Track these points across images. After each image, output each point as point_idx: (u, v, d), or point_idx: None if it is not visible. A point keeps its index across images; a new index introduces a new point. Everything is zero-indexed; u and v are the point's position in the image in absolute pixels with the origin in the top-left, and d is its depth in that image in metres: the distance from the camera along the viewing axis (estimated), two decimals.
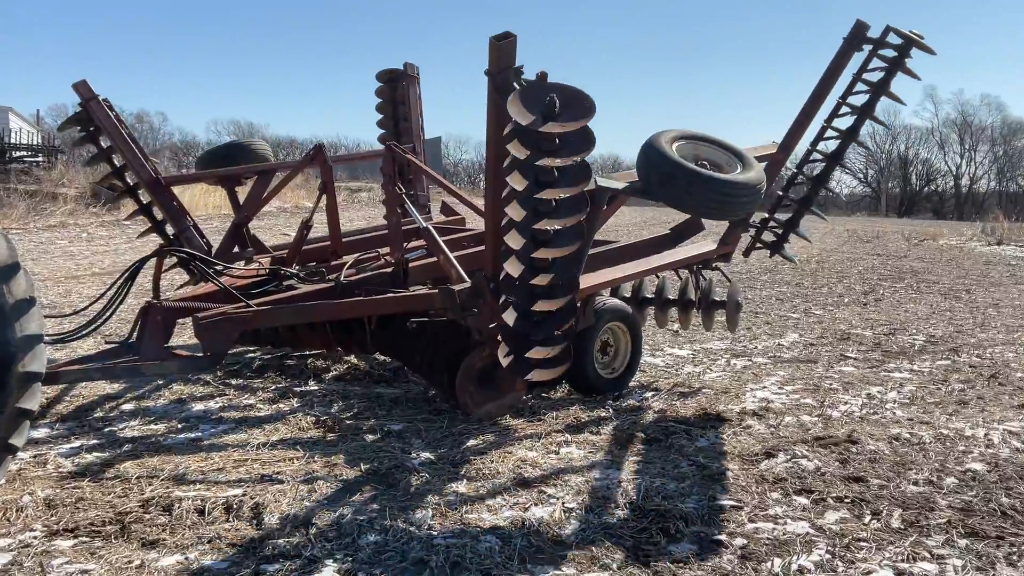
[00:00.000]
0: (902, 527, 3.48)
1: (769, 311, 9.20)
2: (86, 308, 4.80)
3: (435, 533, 3.33)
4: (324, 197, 5.96)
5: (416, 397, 5.33)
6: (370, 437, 4.55)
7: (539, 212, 3.91)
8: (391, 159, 5.90)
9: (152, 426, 4.72)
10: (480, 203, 6.49)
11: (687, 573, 3.03)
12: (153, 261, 4.93)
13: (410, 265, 5.54)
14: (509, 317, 4.05)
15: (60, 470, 3.98)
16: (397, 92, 7.42)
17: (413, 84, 7.45)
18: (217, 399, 5.25)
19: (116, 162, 6.83)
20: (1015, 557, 3.22)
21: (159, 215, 6.88)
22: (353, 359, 6.35)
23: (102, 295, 4.72)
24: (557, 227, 3.93)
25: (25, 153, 24.59)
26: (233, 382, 5.71)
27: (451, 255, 5.25)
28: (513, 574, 2.99)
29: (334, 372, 5.99)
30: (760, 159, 6.02)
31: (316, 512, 3.50)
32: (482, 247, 5.93)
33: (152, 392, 5.39)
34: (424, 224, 5.40)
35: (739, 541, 3.31)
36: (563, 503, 3.63)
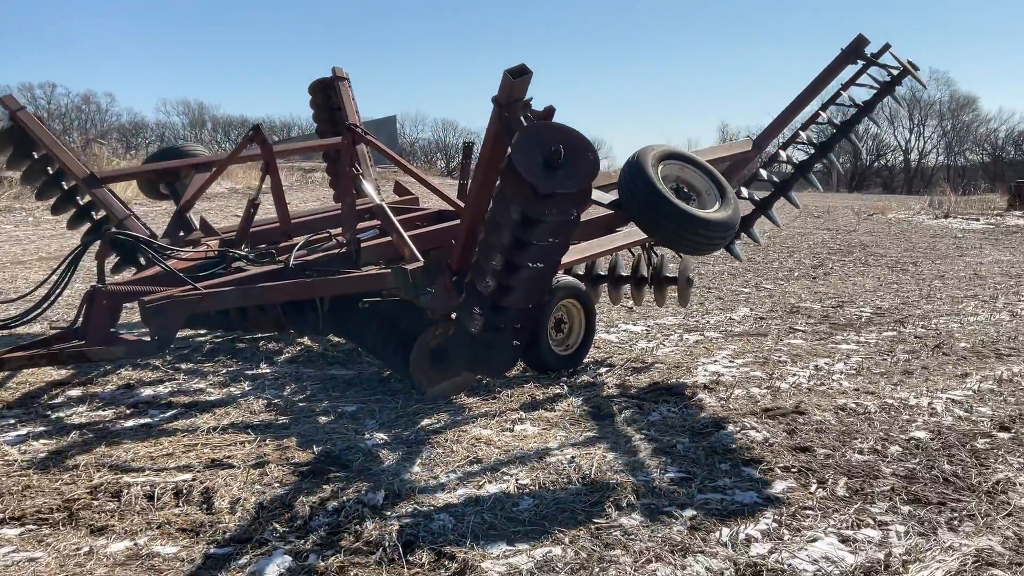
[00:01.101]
0: (847, 495, 3.55)
1: (721, 286, 9.30)
2: (30, 293, 4.70)
3: (388, 513, 3.33)
4: (268, 178, 5.88)
5: (371, 378, 5.31)
6: (323, 419, 4.53)
7: (520, 242, 3.73)
8: (351, 140, 5.82)
9: (100, 412, 4.65)
10: (435, 182, 6.47)
11: (638, 544, 3.07)
12: (94, 248, 4.84)
13: (362, 245, 5.50)
14: (470, 321, 3.99)
15: (6, 458, 3.91)
16: (331, 100, 7.50)
17: (345, 87, 7.48)
18: (167, 384, 5.19)
19: (50, 170, 6.75)
20: (956, 522, 3.31)
21: (98, 215, 6.82)
22: (307, 341, 6.30)
23: (46, 280, 4.62)
24: (534, 258, 3.79)
25: None
26: (183, 366, 5.64)
27: (405, 234, 5.22)
28: (466, 551, 3.01)
29: (287, 354, 5.95)
30: (735, 157, 6.08)
31: (267, 495, 3.48)
32: (437, 225, 5.91)
33: (100, 378, 5.30)
34: (379, 202, 5.35)
35: (689, 512, 3.36)
36: (517, 479, 3.65)
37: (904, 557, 3.00)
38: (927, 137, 65.04)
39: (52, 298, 4.52)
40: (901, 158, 66.37)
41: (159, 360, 5.68)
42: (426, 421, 4.47)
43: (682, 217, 4.48)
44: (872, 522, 3.29)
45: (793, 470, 3.82)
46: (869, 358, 5.92)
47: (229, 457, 3.94)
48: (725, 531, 3.20)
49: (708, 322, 7.19)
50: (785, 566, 2.92)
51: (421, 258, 5.07)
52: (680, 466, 3.85)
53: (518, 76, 3.58)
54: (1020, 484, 3.68)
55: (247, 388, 5.11)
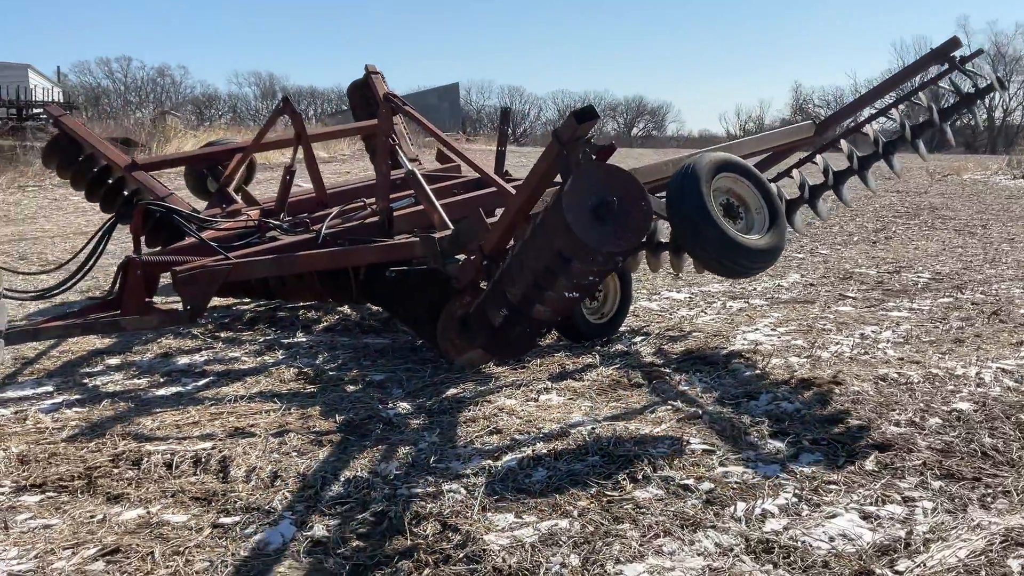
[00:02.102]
0: (876, 469, 3.41)
1: None
2: (65, 264, 4.78)
3: (399, 484, 3.31)
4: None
5: (403, 347, 5.30)
6: (351, 388, 4.54)
7: (554, 273, 3.54)
8: (389, 111, 5.77)
9: (135, 380, 4.73)
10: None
11: (648, 519, 2.99)
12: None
13: (395, 214, 5.47)
14: (492, 312, 3.89)
15: (39, 426, 4.00)
16: (368, 98, 7.50)
17: (378, 79, 7.46)
18: (203, 352, 5.26)
19: (95, 169, 6.86)
20: (989, 499, 3.15)
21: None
22: (346, 310, 6.32)
23: (80, 251, 4.70)
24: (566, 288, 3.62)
25: (41, 111, 24.61)
26: (222, 335, 5.71)
27: (436, 202, 5.16)
28: (472, 523, 2.97)
29: (324, 323, 5.98)
30: (796, 143, 5.84)
31: (283, 464, 3.49)
32: (469, 194, 5.85)
33: (140, 346, 5.40)
34: (410, 168, 5.30)
35: (706, 486, 3.26)
36: (533, 450, 3.60)
37: (927, 535, 2.86)
38: (1012, 94, 62.34)
39: (86, 269, 4.59)
40: (984, 116, 63.77)
41: (200, 329, 5.76)
42: (451, 391, 4.44)
43: (726, 245, 4.25)
44: (898, 498, 3.16)
45: (823, 443, 3.69)
46: (920, 326, 5.69)
47: (252, 426, 3.97)
48: (741, 506, 3.10)
49: (755, 289, 7.00)
50: (798, 543, 2.82)
51: (451, 226, 5.01)
52: (704, 437, 3.75)
53: (584, 120, 3.34)
54: None
55: (280, 357, 5.14)
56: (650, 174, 5.29)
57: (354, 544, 2.86)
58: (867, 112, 6.36)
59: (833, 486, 3.26)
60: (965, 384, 4.42)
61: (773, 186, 4.78)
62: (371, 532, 2.94)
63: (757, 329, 5.63)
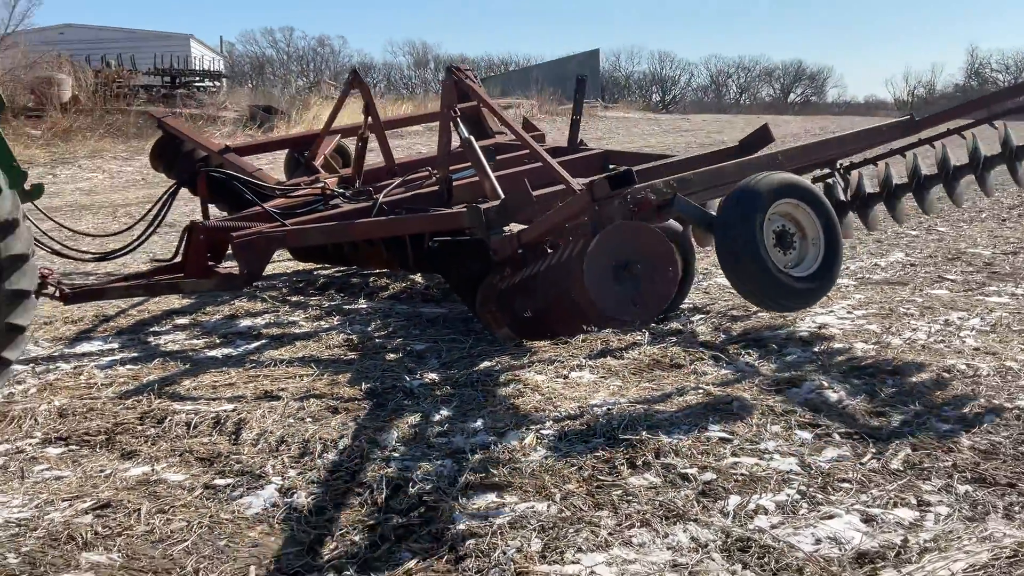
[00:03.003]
0: (901, 468, 3.16)
1: (886, 227, 8.50)
2: (129, 228, 5.01)
3: (396, 455, 3.32)
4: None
5: (456, 317, 5.30)
6: (391, 356, 4.58)
7: (565, 308, 3.73)
8: (452, 84, 5.74)
9: (193, 341, 4.92)
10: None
11: (630, 507, 2.88)
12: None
13: (455, 184, 5.46)
14: (518, 304, 3.87)
15: (89, 382, 4.23)
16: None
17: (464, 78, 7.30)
18: (266, 316, 5.42)
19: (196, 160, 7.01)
20: (1017, 508, 2.86)
21: None
22: (418, 278, 6.38)
23: (144, 216, 4.91)
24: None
25: (196, 79, 25.98)
26: (293, 299, 5.87)
27: (490, 172, 5.10)
28: (448, 500, 2.94)
29: (391, 291, 6.05)
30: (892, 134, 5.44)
31: (293, 430, 3.56)
32: (518, 168, 5.74)
33: (212, 307, 5.62)
34: (466, 137, 5.25)
35: (708, 476, 3.11)
36: (540, 430, 3.52)
37: (928, 544, 2.63)
38: None
39: (148, 232, 4.80)
40: None
41: (274, 292, 5.95)
42: (485, 364, 4.40)
43: (767, 283, 4.11)
44: (913, 501, 2.91)
45: (855, 436, 3.44)
46: (1016, 313, 5.22)
47: (282, 390, 4.06)
48: (735, 500, 2.93)
49: (848, 268, 6.59)
50: (780, 543, 2.64)
51: (502, 196, 4.94)
52: (725, 424, 3.56)
53: (618, 186, 3.18)
54: None
55: (335, 323, 5.24)
56: (804, 156, 5.05)
57: (328, 514, 2.87)
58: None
59: (846, 484, 3.04)
60: None
61: (835, 217, 4.44)
62: (349, 502, 2.96)
63: (831, 311, 5.30)
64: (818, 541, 2.66)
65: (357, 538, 2.71)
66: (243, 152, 7.05)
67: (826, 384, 3.98)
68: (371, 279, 6.36)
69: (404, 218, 5.00)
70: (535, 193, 4.73)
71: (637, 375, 4.22)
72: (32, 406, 3.86)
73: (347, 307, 5.61)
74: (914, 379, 4.04)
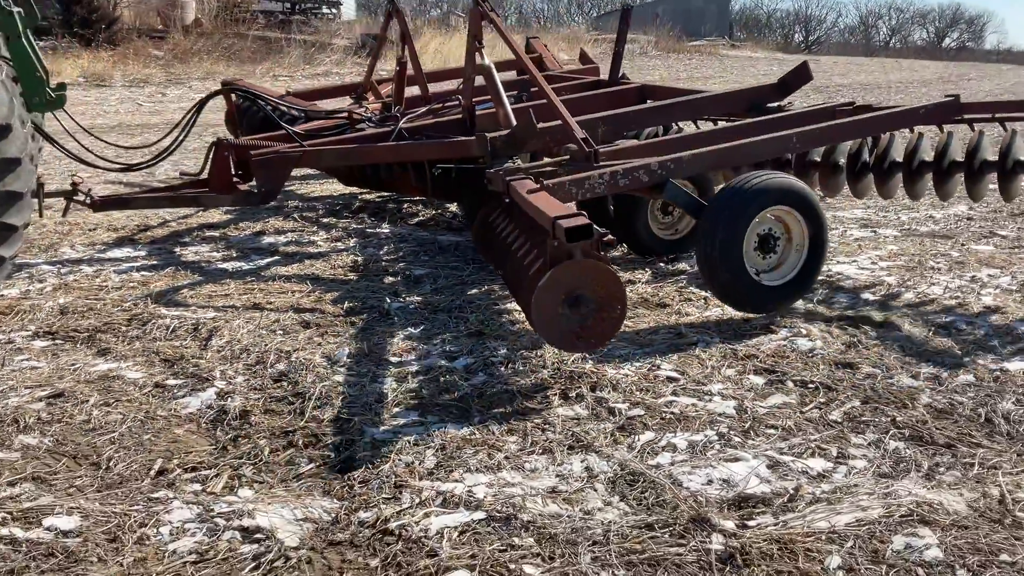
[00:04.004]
0: (840, 420, 3.07)
1: None
2: (157, 143, 5.22)
3: (342, 370, 3.42)
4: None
5: (468, 245, 5.35)
6: (388, 280, 4.68)
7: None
8: (477, 15, 5.68)
9: (213, 253, 5.15)
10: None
11: (544, 435, 2.91)
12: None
13: (478, 113, 5.45)
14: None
15: (102, 284, 4.50)
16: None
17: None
18: (290, 234, 5.60)
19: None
20: (942, 469, 2.74)
21: None
22: (453, 207, 6.43)
23: (171, 131, 5.11)
24: None
25: (313, 5, 26.43)
26: (325, 220, 6.03)
27: (505, 100, 5.06)
28: (369, 415, 3.03)
29: (420, 217, 6.13)
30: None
31: (260, 340, 3.71)
32: (532, 103, 5.63)
33: (247, 222, 5.84)
34: (486, 64, 5.21)
35: (636, 412, 3.09)
36: (490, 357, 3.56)
37: (823, 495, 2.56)
38: None
39: (173, 147, 5.01)
40: None
41: (312, 212, 6.13)
42: (473, 291, 4.45)
43: (739, 289, 3.96)
44: (834, 453, 2.83)
45: (809, 385, 3.35)
46: None
47: (269, 303, 4.22)
48: (648, 436, 2.92)
49: (898, 219, 6.28)
50: (668, 480, 2.62)
51: (514, 123, 4.90)
52: (680, 364, 3.52)
53: (574, 239, 3.07)
54: None
55: (351, 244, 5.38)
56: (822, 137, 4.71)
57: (252, 419, 3.01)
58: None
59: (772, 430, 2.97)
60: None
61: (829, 227, 4.16)
62: (278, 408, 3.08)
63: (855, 261, 5.09)
64: (709, 482, 2.63)
65: (263, 441, 2.83)
66: (306, 97, 7.11)
67: (804, 332, 3.86)
68: (405, 205, 6.45)
69: (414, 144, 5.04)
70: (541, 126, 4.68)
71: None
72: (39, 302, 4.14)
73: (369, 231, 5.73)
74: (901, 333, 3.87)
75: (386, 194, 6.73)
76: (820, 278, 4.69)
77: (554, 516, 2.42)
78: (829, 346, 3.72)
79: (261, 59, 20.72)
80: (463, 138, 4.97)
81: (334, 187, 7.15)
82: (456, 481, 2.61)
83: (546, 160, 4.61)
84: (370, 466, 2.67)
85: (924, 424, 3.03)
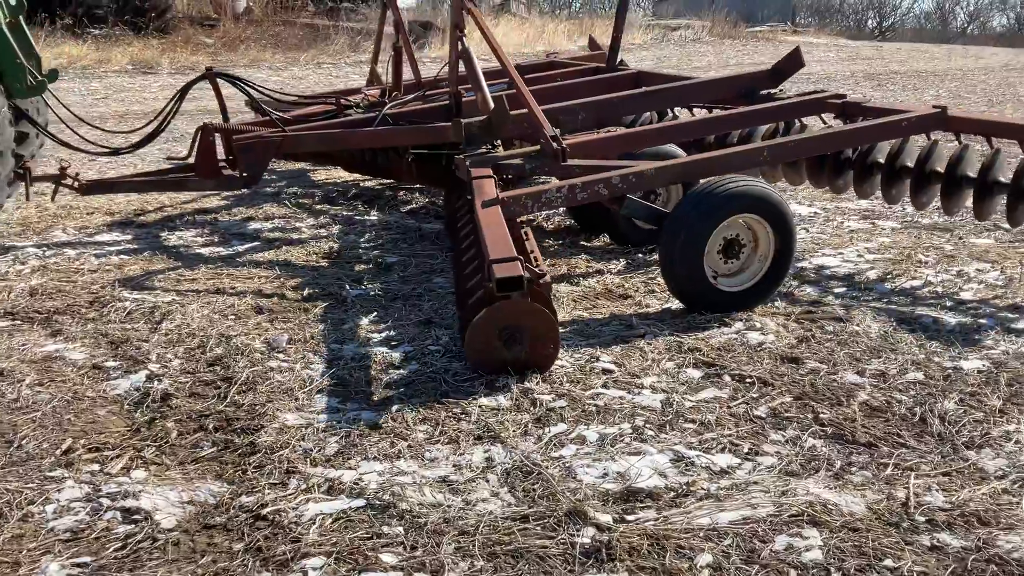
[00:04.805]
0: (763, 416, 2.99)
1: None
2: (143, 128, 5.30)
3: (278, 354, 3.45)
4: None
5: None
6: (359, 267, 4.69)
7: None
8: (459, 4, 5.65)
9: (196, 238, 5.22)
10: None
11: (458, 425, 2.89)
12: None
13: (464, 100, 5.43)
14: None
15: (78, 267, 4.59)
16: None
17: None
18: (278, 220, 5.66)
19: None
20: (854, 469, 2.66)
21: None
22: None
23: (156, 116, 5.20)
24: None
25: None
26: (317, 207, 6.08)
27: (484, 85, 5.03)
28: (288, 400, 3.05)
29: (413, 205, 6.14)
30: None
31: (209, 324, 3.76)
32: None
33: (240, 208, 5.91)
34: (464, 48, 5.19)
35: (558, 404, 3.07)
36: (429, 346, 3.55)
37: (717, 491, 2.50)
38: None
39: (157, 130, 5.09)
40: None
41: (308, 199, 6.19)
42: (438, 280, 4.44)
43: (697, 292, 3.89)
44: (746, 449, 2.77)
45: (746, 380, 3.27)
46: None
47: (233, 288, 4.28)
48: (560, 428, 2.89)
49: (903, 210, 6.08)
50: (562, 473, 2.59)
51: (491, 109, 4.86)
52: (621, 356, 3.47)
53: (502, 290, 3.07)
54: (1015, 442, 2.82)
55: (334, 231, 5.41)
56: (796, 151, 4.58)
57: (174, 401, 3.05)
58: None
59: (690, 425, 2.92)
60: (1003, 340, 3.64)
61: (798, 240, 4.02)
62: (203, 394, 3.12)
63: (841, 252, 4.95)
64: (604, 475, 2.59)
65: (171, 424, 2.87)
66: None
67: (758, 325, 3.77)
68: (401, 193, 6.46)
69: (391, 129, 5.05)
70: (515, 113, 4.64)
71: (577, 302, 4.15)
72: (13, 284, 4.25)
73: (357, 218, 5.75)
74: (860, 327, 3.75)
75: (386, 181, 6.75)
76: (802, 268, 4.59)
77: (433, 506, 2.41)
78: (780, 340, 3.63)
79: (308, 46, 20.93)
80: (439, 124, 4.96)
81: (338, 174, 7.19)
82: (350, 469, 2.61)
83: (513, 151, 4.59)
84: (269, 452, 2.69)
85: (851, 422, 2.94)
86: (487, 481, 2.56)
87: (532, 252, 3.71)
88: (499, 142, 5.01)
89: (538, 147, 4.39)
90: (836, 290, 4.31)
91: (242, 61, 18.97)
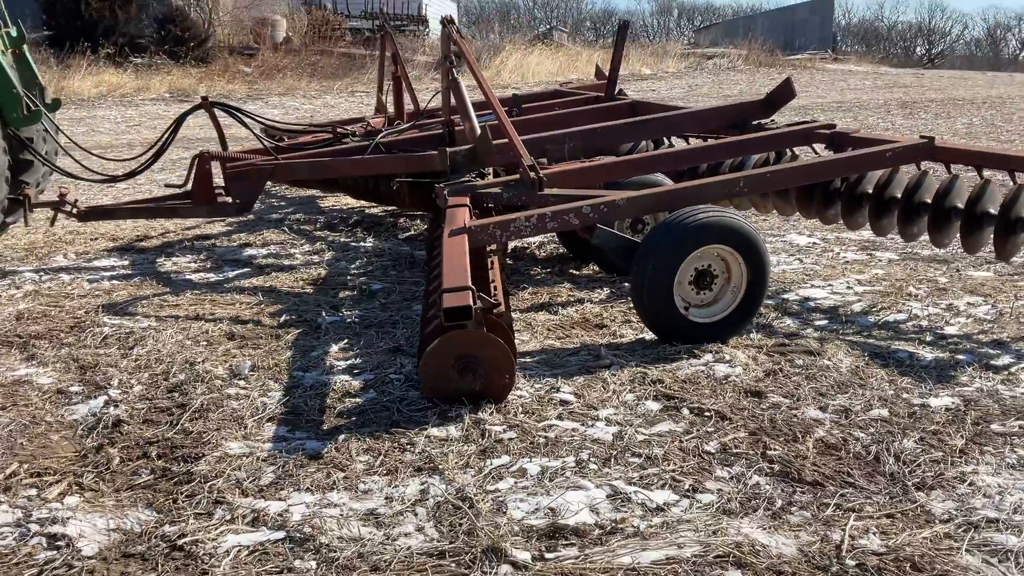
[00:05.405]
0: (713, 451, 2.94)
1: None
2: (139, 156, 5.41)
3: (239, 381, 3.47)
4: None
5: None
6: (343, 294, 4.72)
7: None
8: (447, 35, 5.71)
9: (190, 264, 5.30)
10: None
11: (400, 456, 2.88)
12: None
13: (456, 129, 5.47)
14: None
15: (69, 292, 4.68)
16: None
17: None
18: (274, 246, 5.72)
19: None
20: (794, 509, 2.60)
21: None
22: None
23: (153, 145, 5.30)
24: None
25: (402, 23, 26.99)
26: (318, 233, 6.14)
27: (472, 113, 5.06)
28: (235, 428, 3.06)
29: (412, 231, 6.17)
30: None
31: (177, 350, 3.80)
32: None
33: (242, 234, 5.99)
34: (454, 77, 5.25)
35: (508, 435, 3.04)
36: (391, 374, 3.55)
37: (645, 529, 2.46)
38: None
39: (152, 158, 5.19)
40: None
41: (309, 226, 6.26)
42: (417, 307, 4.44)
43: (668, 324, 3.85)
44: (687, 485, 2.72)
45: (705, 413, 3.22)
46: None
47: (212, 314, 4.32)
48: (503, 460, 2.86)
49: (904, 242, 5.97)
50: (494, 507, 2.56)
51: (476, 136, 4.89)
52: (582, 387, 3.44)
53: (450, 320, 3.09)
54: (970, 484, 2.73)
55: (327, 258, 5.45)
56: (772, 183, 4.47)
57: (126, 428, 3.08)
58: None
59: (635, 459, 2.87)
60: (978, 377, 3.54)
61: (766, 274, 3.93)
62: (157, 420, 3.15)
63: (830, 284, 4.87)
64: (535, 510, 2.56)
65: (114, 451, 2.89)
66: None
67: (727, 357, 3.71)
68: (402, 219, 6.50)
69: (380, 157, 5.11)
70: (496, 142, 4.66)
71: (552, 331, 4.13)
72: (2, 307, 4.35)
73: (353, 244, 5.80)
74: (832, 362, 3.68)
75: (390, 208, 6.80)
76: (785, 300, 4.53)
77: (352, 540, 2.40)
78: (748, 373, 3.57)
79: (343, 75, 21.26)
80: (426, 152, 4.99)
81: (346, 201, 7.27)
82: (279, 500, 2.61)
83: (491, 180, 4.60)
84: (203, 481, 2.69)
85: (802, 459, 2.87)
86: (415, 515, 2.54)
87: (493, 282, 3.70)
88: (490, 170, 5.05)
89: (517, 175, 4.40)
90: (816, 322, 4.23)
91: (277, 89, 19.33)
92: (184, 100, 17.38)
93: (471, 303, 3.11)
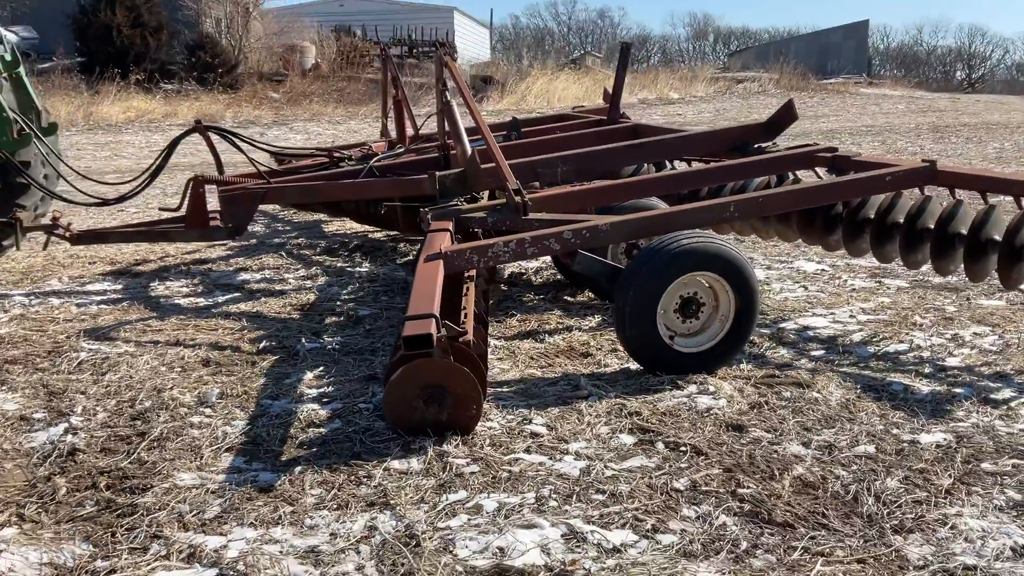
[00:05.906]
0: (682, 489, 2.80)
1: None
2: (132, 180, 5.39)
3: (204, 408, 3.40)
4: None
5: None
6: (329, 320, 4.65)
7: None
8: (440, 60, 5.66)
9: (181, 288, 5.27)
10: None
11: (354, 489, 2.78)
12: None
13: (451, 152, 5.40)
14: None
15: (56, 317, 4.65)
16: None
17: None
18: (268, 271, 5.67)
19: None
20: (759, 551, 2.45)
21: None
22: None
23: (148, 168, 5.29)
24: None
25: (427, 48, 27.18)
26: (315, 257, 6.09)
27: (464, 138, 4.98)
28: (190, 458, 2.98)
29: (410, 257, 6.09)
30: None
31: (149, 376, 3.73)
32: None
33: (237, 260, 5.95)
34: (447, 101, 5.19)
35: (471, 469, 2.92)
36: (360, 403, 3.45)
37: (598, 571, 2.32)
38: None
39: (144, 182, 5.17)
40: None
41: (309, 251, 6.21)
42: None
43: (652, 354, 3.72)
44: (649, 525, 2.58)
45: (680, 448, 3.08)
46: None
47: (192, 339, 4.26)
48: (459, 495, 2.74)
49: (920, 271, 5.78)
50: (439, 545, 2.44)
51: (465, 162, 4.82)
52: (556, 418, 3.31)
53: (411, 347, 3.01)
54: (951, 527, 2.56)
55: (319, 283, 5.38)
56: (764, 207, 4.29)
57: (81, 457, 3.01)
58: None
59: (599, 496, 2.74)
60: (975, 409, 3.37)
61: (756, 303, 3.78)
62: (115, 449, 3.08)
63: (832, 313, 4.71)
64: (484, 549, 2.44)
65: (62, 480, 2.81)
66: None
67: (712, 389, 3.57)
68: (402, 244, 6.43)
69: (370, 181, 5.05)
70: (484, 166, 4.58)
71: (537, 359, 4.01)
72: None
73: (348, 269, 5.73)
74: (822, 394, 3.52)
75: (392, 232, 6.74)
76: (782, 329, 4.38)
77: None
78: (731, 405, 3.43)
79: (369, 100, 21.38)
80: (416, 176, 4.92)
81: (350, 225, 7.22)
82: (220, 535, 2.51)
83: (477, 204, 4.51)
84: (145, 513, 2.61)
85: (775, 499, 2.72)
86: (358, 552, 2.43)
87: (464, 309, 3.60)
88: (485, 194, 4.97)
89: (503, 200, 4.30)
90: (812, 352, 4.08)
91: (303, 115, 19.50)
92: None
93: (432, 331, 3.01)
